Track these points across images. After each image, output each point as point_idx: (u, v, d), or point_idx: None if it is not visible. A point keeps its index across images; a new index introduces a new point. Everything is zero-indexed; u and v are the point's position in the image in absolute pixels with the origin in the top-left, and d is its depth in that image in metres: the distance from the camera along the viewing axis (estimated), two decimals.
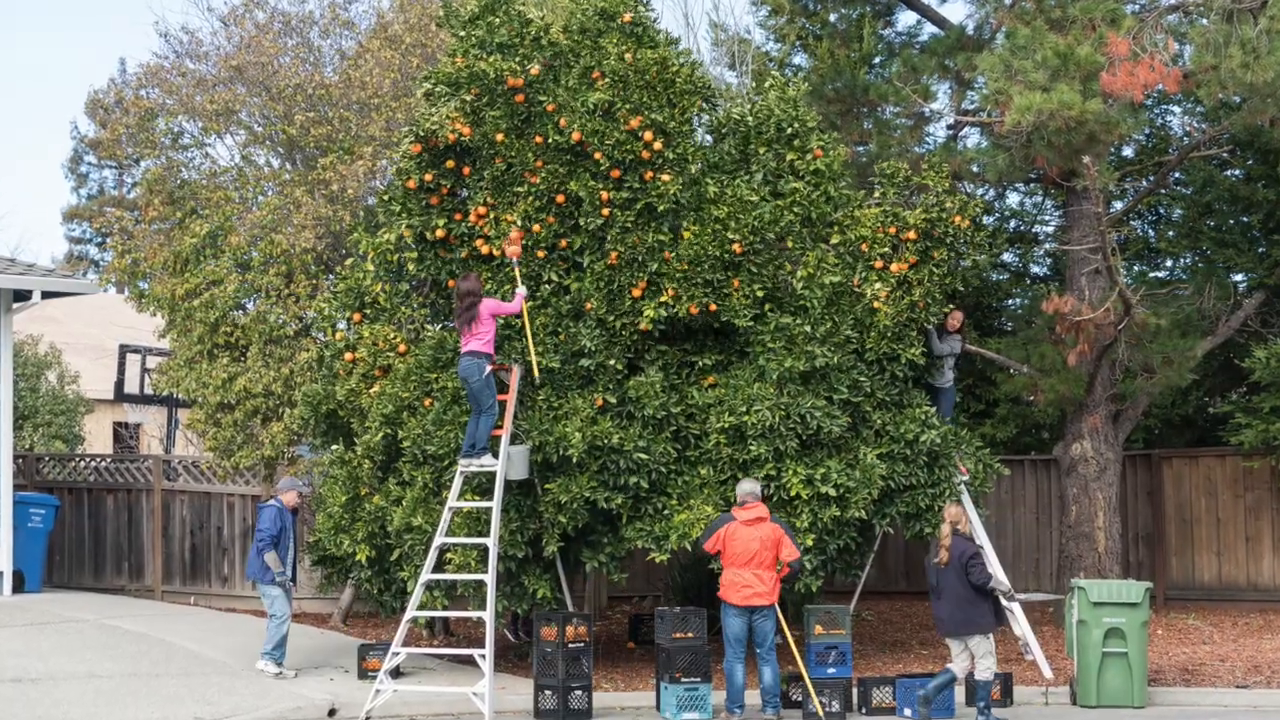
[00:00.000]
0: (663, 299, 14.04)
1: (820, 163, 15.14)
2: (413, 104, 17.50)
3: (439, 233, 14.58)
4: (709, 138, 15.81)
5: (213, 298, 17.52)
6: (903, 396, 14.85)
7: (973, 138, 21.71)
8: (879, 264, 14.97)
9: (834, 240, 15.09)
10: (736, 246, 14.10)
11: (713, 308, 14.07)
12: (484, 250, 14.53)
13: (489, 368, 13.55)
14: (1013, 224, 23.25)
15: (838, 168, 15.33)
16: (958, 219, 15.12)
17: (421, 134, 14.39)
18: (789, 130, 15.24)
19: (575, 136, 14.31)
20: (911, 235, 15.01)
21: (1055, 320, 16.73)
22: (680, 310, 14.00)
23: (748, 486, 12.89)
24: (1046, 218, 23.38)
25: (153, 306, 18.29)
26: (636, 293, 14.13)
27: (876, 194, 15.68)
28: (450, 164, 14.61)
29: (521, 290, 13.93)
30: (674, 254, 14.10)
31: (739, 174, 15.05)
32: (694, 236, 14.17)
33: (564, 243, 14.50)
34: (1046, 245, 22.77)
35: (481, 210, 14.49)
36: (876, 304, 14.68)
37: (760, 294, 14.27)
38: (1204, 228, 19.95)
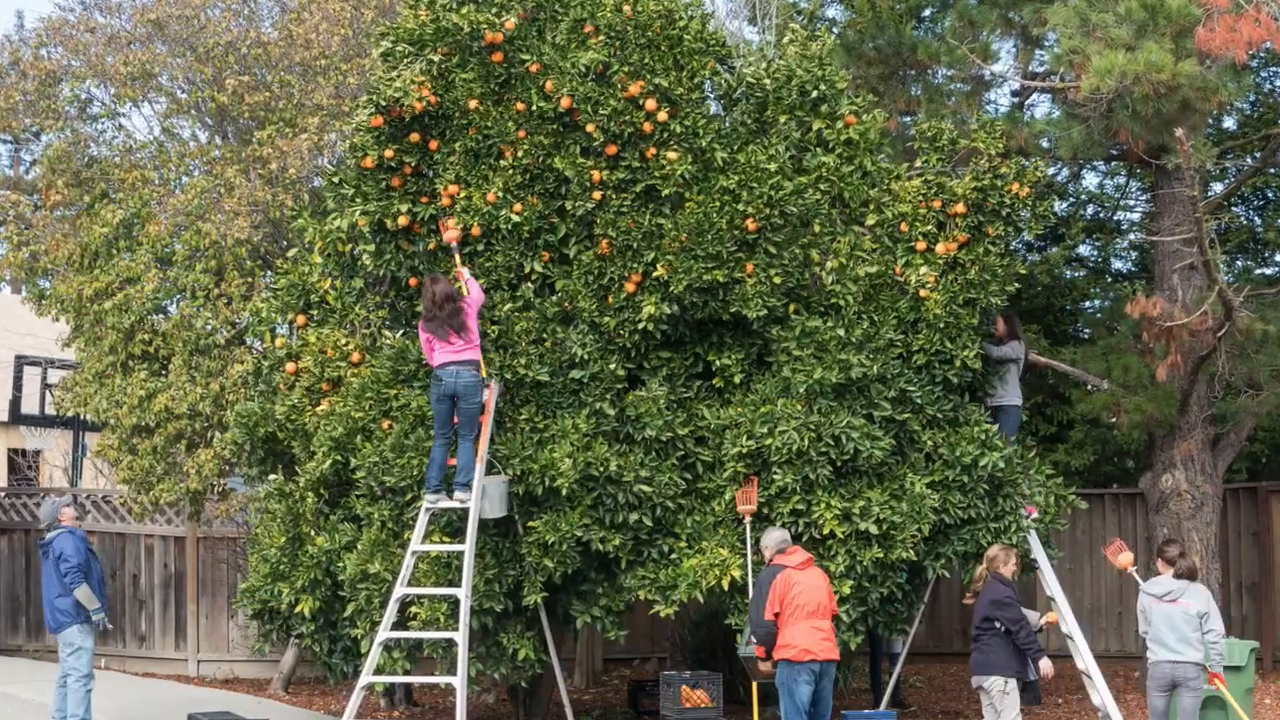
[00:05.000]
0: (657, 274, 14.00)
1: (853, 131, 15.11)
2: (367, 66, 17.49)
3: (402, 220, 14.57)
4: (718, 106, 15.79)
5: (127, 299, 17.49)
6: (957, 412, 14.80)
7: (1042, 106, 21.75)
8: (922, 245, 14.93)
9: (869, 221, 15.07)
10: (750, 223, 14.06)
11: (719, 278, 13.97)
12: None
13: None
14: (1090, 210, 23.33)
15: (874, 137, 15.29)
16: (1015, 186, 15.04)
17: (383, 103, 14.39)
18: (814, 93, 15.21)
19: (565, 103, 14.32)
20: (960, 209, 14.94)
21: (1141, 326, 16.71)
22: (676, 288, 13.96)
23: (778, 534, 13.11)
24: (1131, 203, 23.47)
25: (55, 309, 18.26)
26: (630, 286, 14.11)
27: (918, 162, 15.64)
28: (415, 138, 14.62)
29: (464, 270, 14.00)
30: (673, 229, 14.08)
31: (754, 144, 15.04)
32: (697, 205, 14.16)
33: (553, 231, 14.48)
34: (1131, 236, 22.80)
35: (454, 189, 14.48)
36: (924, 292, 14.63)
37: (778, 280, 14.22)
38: None
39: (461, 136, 14.61)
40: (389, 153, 14.55)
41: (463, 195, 14.45)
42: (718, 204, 14.10)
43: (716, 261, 13.98)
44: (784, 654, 12.66)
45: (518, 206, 14.35)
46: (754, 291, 14.08)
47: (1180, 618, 13.15)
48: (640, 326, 14.09)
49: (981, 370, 15.02)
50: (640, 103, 14.27)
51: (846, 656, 14.97)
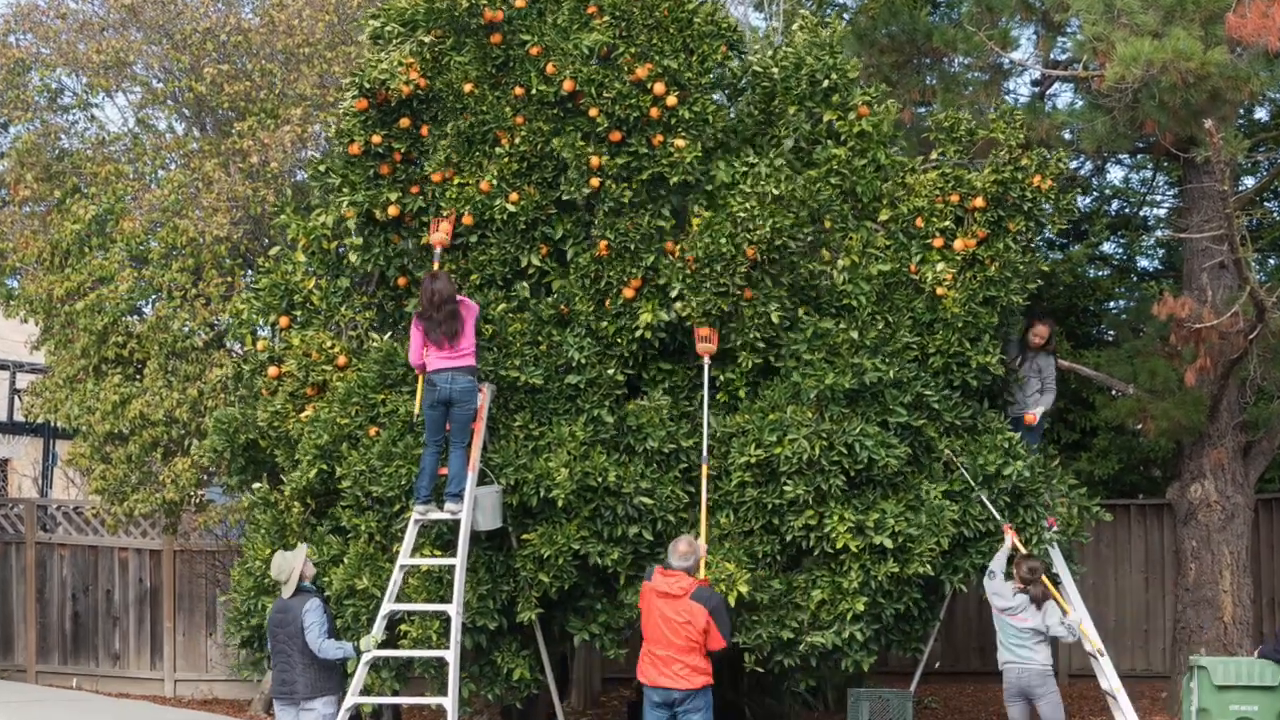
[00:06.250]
0: (660, 282, 13.96)
1: (866, 122, 15.10)
2: (353, 53, 17.48)
3: (392, 210, 14.53)
4: (723, 96, 15.77)
5: (100, 299, 17.51)
6: (976, 419, 14.77)
7: (1064, 96, 21.78)
8: (939, 241, 14.91)
9: (883, 217, 15.05)
10: (750, 250, 13.98)
11: (724, 307, 13.92)
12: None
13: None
14: (1115, 205, 23.32)
15: (887, 129, 15.28)
16: (1037, 180, 15.01)
17: (368, 85, 14.37)
18: (825, 83, 15.19)
19: (567, 86, 14.29)
20: (979, 203, 14.88)
21: (1169, 327, 16.66)
22: (687, 310, 13.96)
23: (674, 559, 12.71)
24: (1158, 198, 23.47)
25: (24, 310, 18.28)
26: (629, 292, 14.10)
27: (934, 154, 15.62)
28: (405, 122, 14.60)
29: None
30: (677, 245, 14.05)
31: (760, 140, 15.00)
32: (701, 229, 14.12)
33: (551, 224, 14.46)
34: (1158, 232, 22.78)
35: (444, 174, 14.47)
36: (941, 290, 14.61)
37: (776, 318, 14.17)
38: None
39: (454, 119, 14.59)
40: (376, 138, 14.52)
41: (455, 182, 14.43)
42: (729, 227, 14.03)
43: (725, 293, 13.99)
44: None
45: (514, 196, 14.34)
46: (751, 324, 14.09)
47: (1014, 630, 13.58)
48: (638, 335, 14.07)
49: (1002, 375, 15.01)
50: (648, 86, 14.24)
51: (859, 677, 14.97)
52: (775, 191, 14.15)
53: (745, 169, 14.53)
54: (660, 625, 12.43)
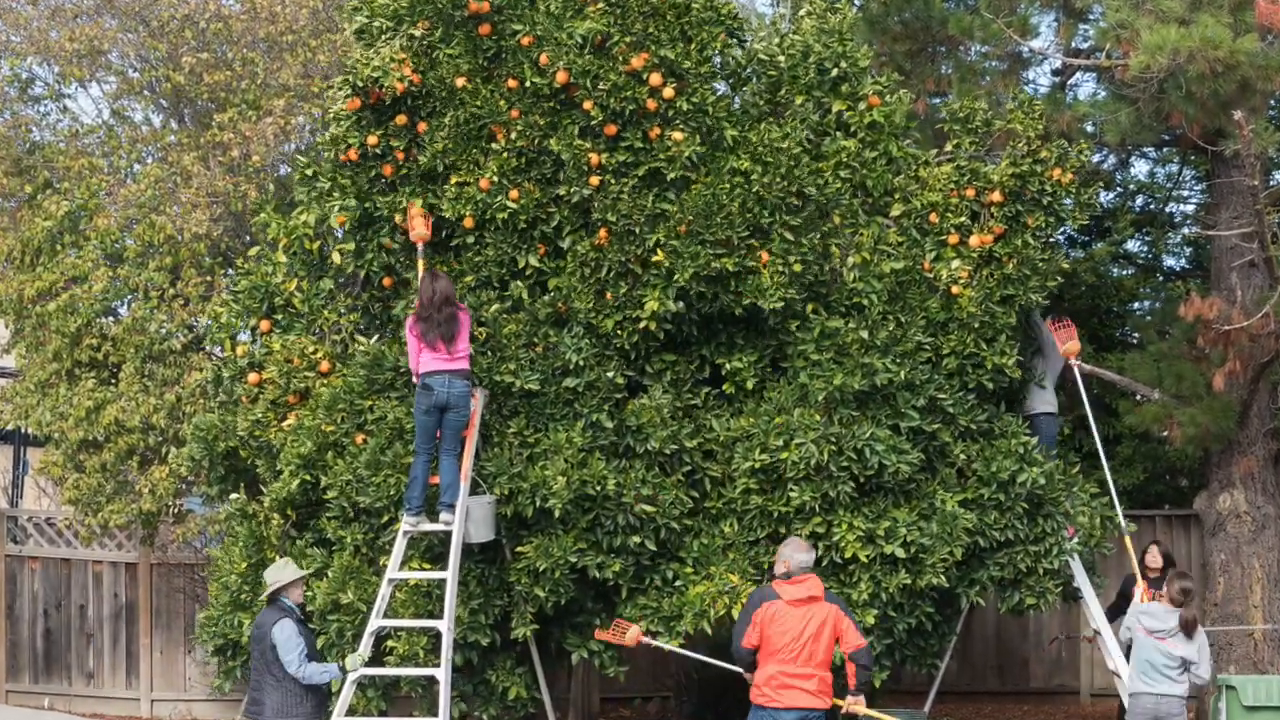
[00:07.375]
0: (657, 259, 13.92)
1: (877, 113, 15.08)
2: (339, 42, 17.46)
3: (397, 217, 14.51)
4: (726, 86, 15.74)
5: (73, 300, 17.48)
6: (992, 422, 14.76)
7: (1086, 86, 21.74)
8: (954, 238, 14.88)
9: (895, 212, 15.03)
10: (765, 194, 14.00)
11: (729, 266, 13.87)
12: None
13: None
14: (1140, 201, 23.27)
15: (900, 120, 15.27)
16: (1057, 173, 14.99)
17: (360, 84, 14.33)
18: (834, 72, 15.19)
19: (561, 77, 14.29)
20: (996, 197, 14.88)
21: (1196, 329, 16.66)
22: (682, 277, 13.88)
23: (801, 557, 12.39)
24: (1185, 193, 23.41)
25: None
26: (636, 267, 14.04)
27: (949, 146, 15.59)
28: (401, 119, 14.56)
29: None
30: (678, 212, 14.00)
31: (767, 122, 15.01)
32: (705, 186, 14.11)
33: (549, 222, 14.45)
34: (1185, 230, 22.74)
35: (441, 164, 14.45)
36: (955, 289, 14.57)
37: (798, 268, 14.15)
38: None
39: (450, 109, 14.54)
40: (373, 139, 14.48)
41: (454, 182, 14.39)
42: (728, 185, 14.03)
43: (726, 248, 13.92)
44: (754, 696, 12.36)
45: (514, 193, 14.30)
46: (771, 282, 13.99)
47: (1163, 656, 13.35)
48: (641, 326, 14.02)
49: (1019, 378, 14.99)
50: (644, 77, 14.21)
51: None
52: (786, 144, 14.15)
53: (753, 131, 14.53)
54: (805, 639, 12.13)
